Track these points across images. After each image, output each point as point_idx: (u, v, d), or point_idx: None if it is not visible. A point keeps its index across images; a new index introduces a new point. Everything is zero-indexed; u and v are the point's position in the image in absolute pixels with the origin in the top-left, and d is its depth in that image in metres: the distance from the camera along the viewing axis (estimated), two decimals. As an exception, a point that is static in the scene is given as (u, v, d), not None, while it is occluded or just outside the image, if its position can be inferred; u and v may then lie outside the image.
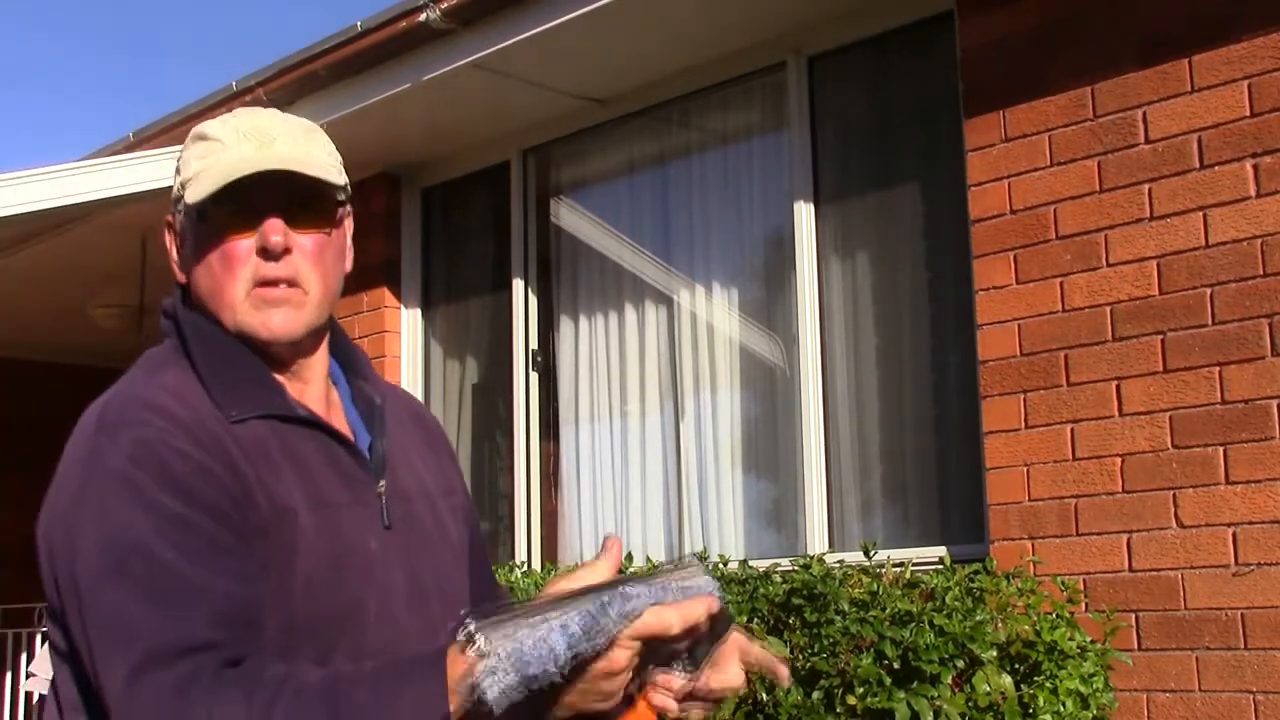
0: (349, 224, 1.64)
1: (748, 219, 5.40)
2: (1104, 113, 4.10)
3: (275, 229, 1.50)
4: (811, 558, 4.20)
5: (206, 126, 1.55)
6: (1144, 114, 4.02)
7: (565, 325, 5.95)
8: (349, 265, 1.64)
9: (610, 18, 4.93)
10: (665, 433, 5.53)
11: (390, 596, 1.47)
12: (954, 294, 4.63)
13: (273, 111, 1.58)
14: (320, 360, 1.60)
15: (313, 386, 1.58)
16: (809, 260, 5.02)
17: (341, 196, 1.58)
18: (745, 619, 3.82)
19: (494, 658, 1.15)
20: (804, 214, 5.05)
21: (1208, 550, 3.77)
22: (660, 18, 4.98)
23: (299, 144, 1.53)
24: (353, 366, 1.67)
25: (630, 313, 5.73)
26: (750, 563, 4.35)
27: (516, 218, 6.12)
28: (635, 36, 5.11)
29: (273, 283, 1.50)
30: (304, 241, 1.52)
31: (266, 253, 1.49)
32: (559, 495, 5.88)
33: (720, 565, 4.29)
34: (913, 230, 4.87)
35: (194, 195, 1.49)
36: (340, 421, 1.59)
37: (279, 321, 1.51)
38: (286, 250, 1.50)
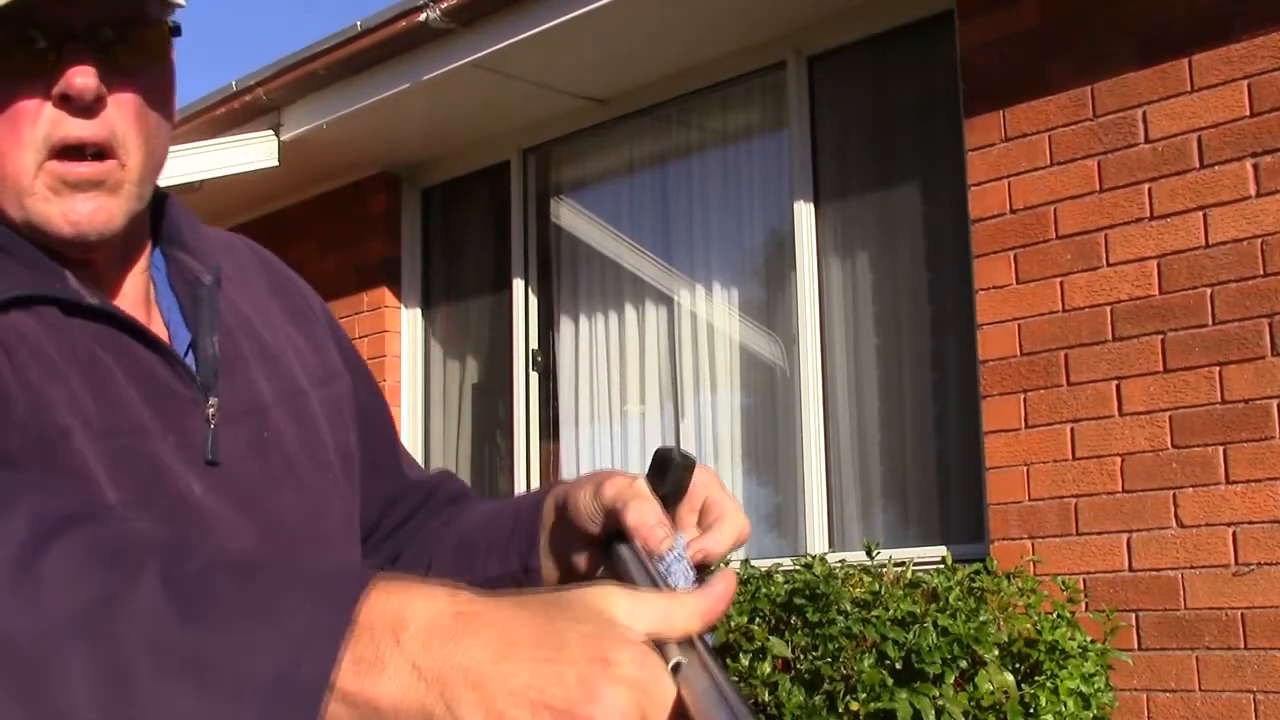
0: (173, 60, 1.11)
1: (748, 219, 5.40)
2: (1104, 112, 4.10)
3: (83, 69, 0.99)
4: (813, 558, 4.20)
5: None
6: (1144, 114, 4.02)
7: (565, 325, 5.95)
8: (174, 123, 1.14)
9: (610, 18, 4.93)
10: (665, 433, 5.53)
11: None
12: (954, 294, 4.63)
13: None
14: (139, 253, 1.12)
15: (126, 287, 1.10)
16: (809, 260, 5.02)
17: (171, 19, 1.08)
18: (747, 619, 3.83)
19: None
20: (804, 214, 5.05)
21: (1208, 550, 3.77)
22: (660, 17, 4.98)
23: None
24: (170, 235, 1.15)
25: (630, 313, 5.73)
26: (752, 563, 4.35)
27: (516, 218, 6.12)
28: (636, 36, 5.11)
29: (78, 151, 1.01)
30: (122, 89, 1.03)
31: (69, 103, 1.00)
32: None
33: (721, 565, 4.29)
34: (913, 230, 4.87)
35: None
36: (159, 324, 1.11)
37: (88, 210, 1.02)
38: (99, 100, 1.01)
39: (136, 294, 1.10)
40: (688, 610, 0.72)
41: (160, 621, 0.67)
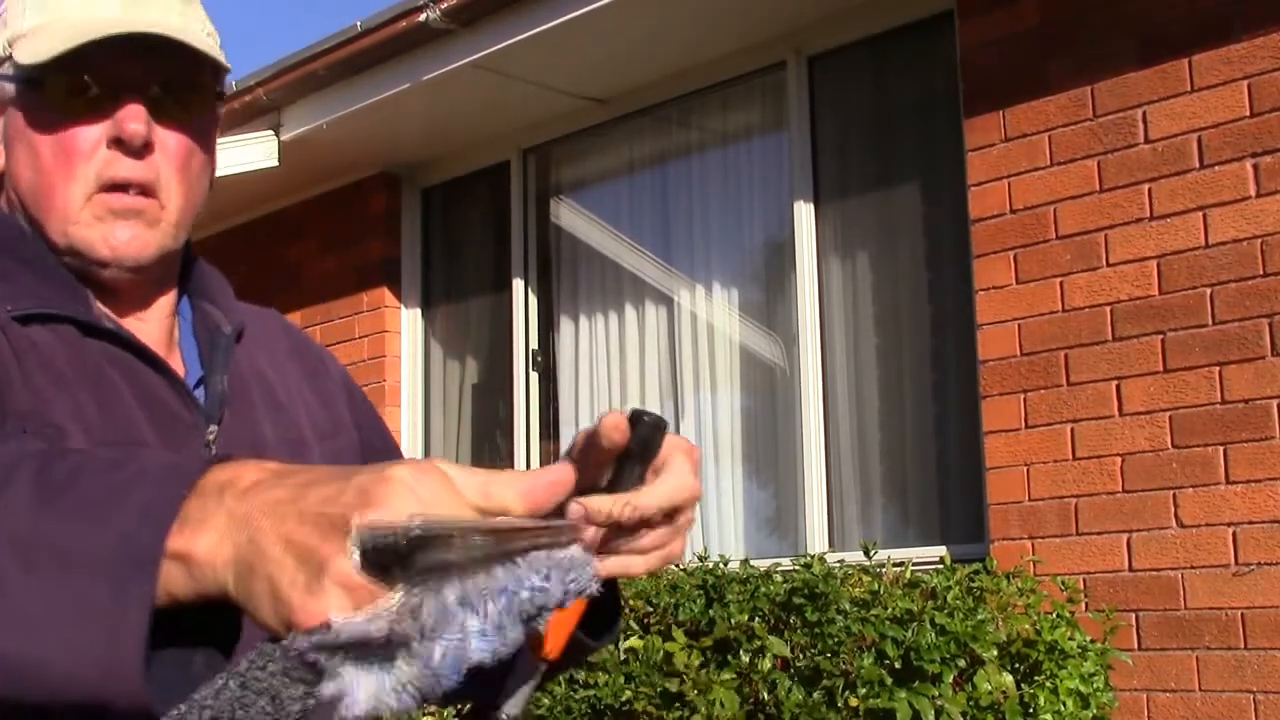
0: (218, 125, 1.25)
1: (748, 219, 5.40)
2: (1104, 112, 4.10)
3: (136, 115, 1.12)
4: (812, 557, 4.20)
5: None
6: (1144, 114, 4.02)
7: (565, 325, 5.95)
8: (214, 177, 1.26)
9: (610, 18, 4.93)
10: (665, 433, 5.53)
11: None
12: (954, 294, 4.63)
13: None
14: (166, 295, 1.22)
15: (150, 325, 1.19)
16: (809, 260, 5.02)
17: (219, 87, 1.21)
18: (747, 618, 3.83)
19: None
20: (804, 214, 5.05)
21: (1208, 550, 3.77)
22: (660, 17, 4.98)
23: (173, 7, 1.16)
24: (200, 290, 1.26)
25: (630, 313, 5.73)
26: (751, 562, 4.36)
27: (516, 218, 6.12)
28: (636, 36, 5.11)
29: (123, 187, 1.13)
30: (169, 139, 1.15)
31: (121, 145, 1.12)
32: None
33: (721, 565, 4.29)
34: (913, 230, 4.87)
35: (28, 55, 1.11)
36: (177, 363, 1.20)
37: (126, 238, 1.13)
38: (147, 146, 1.13)
39: (160, 333, 1.20)
40: (508, 486, 0.71)
41: (22, 516, 0.72)
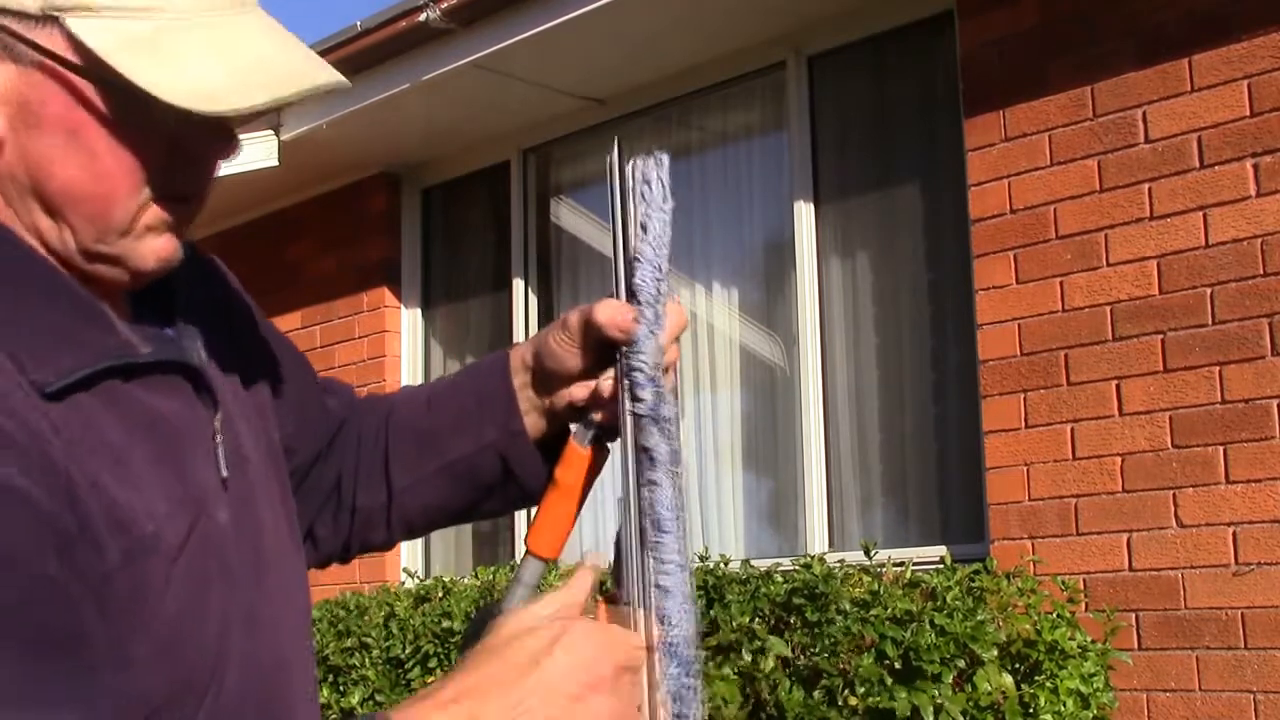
0: None
1: (748, 219, 5.40)
2: (1104, 112, 4.10)
3: (234, 139, 1.00)
4: (812, 557, 4.20)
5: None
6: (1144, 114, 4.02)
7: (565, 325, 5.95)
8: None
9: (610, 18, 4.93)
10: (665, 433, 5.53)
11: (242, 585, 1.00)
12: (954, 294, 4.63)
13: None
14: None
15: (123, 303, 1.04)
16: (809, 260, 5.02)
17: None
18: (748, 618, 3.83)
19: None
20: (804, 214, 5.05)
21: (1208, 550, 3.77)
22: (660, 18, 4.98)
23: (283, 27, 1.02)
24: None
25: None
26: (751, 562, 4.36)
27: (516, 218, 6.12)
28: (636, 36, 5.11)
29: (184, 198, 0.99)
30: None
31: (206, 161, 0.99)
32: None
33: (721, 565, 4.30)
34: (913, 230, 4.87)
35: (164, 83, 0.88)
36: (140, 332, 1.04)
37: (171, 251, 0.99)
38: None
39: (120, 299, 1.03)
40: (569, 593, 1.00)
41: None
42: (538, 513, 1.19)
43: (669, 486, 1.04)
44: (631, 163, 1.18)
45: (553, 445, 1.23)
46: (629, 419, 1.09)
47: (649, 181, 1.18)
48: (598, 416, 1.17)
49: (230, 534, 0.99)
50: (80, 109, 0.91)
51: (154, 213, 0.96)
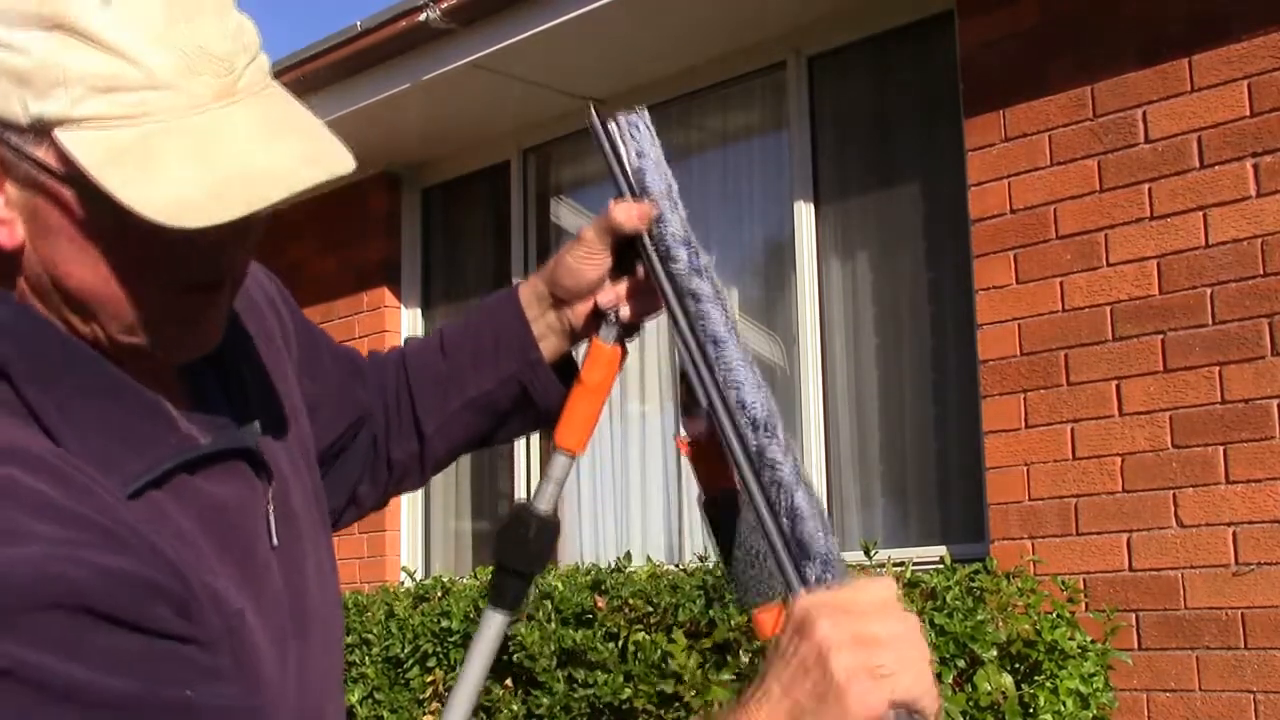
0: None
1: (748, 219, 5.40)
2: (1104, 112, 4.10)
3: (251, 244, 1.00)
4: (812, 557, 4.19)
5: (95, 22, 0.87)
6: (1144, 114, 4.02)
7: (565, 325, 5.95)
8: None
9: (610, 18, 4.93)
10: (665, 433, 5.53)
11: (291, 643, 1.04)
12: (954, 294, 4.63)
13: None
14: None
15: (172, 379, 1.05)
16: (809, 260, 5.02)
17: None
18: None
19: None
20: (804, 214, 5.05)
21: (1208, 550, 3.77)
22: (660, 18, 4.98)
23: (291, 102, 0.97)
24: None
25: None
26: (750, 562, 4.35)
27: (516, 218, 6.12)
28: (635, 36, 5.11)
29: (210, 286, 0.98)
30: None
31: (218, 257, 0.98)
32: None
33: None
34: (913, 230, 4.87)
35: (141, 196, 0.87)
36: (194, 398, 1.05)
37: (212, 338, 1.00)
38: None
39: (173, 380, 1.04)
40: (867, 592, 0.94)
41: None
42: (564, 411, 1.30)
43: (718, 312, 1.16)
44: (614, 117, 1.31)
45: (564, 363, 1.36)
46: (667, 282, 1.20)
47: (636, 125, 1.30)
48: (622, 314, 1.30)
49: (284, 599, 1.03)
50: (77, 217, 0.91)
51: (179, 304, 0.95)
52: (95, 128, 0.88)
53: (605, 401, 1.31)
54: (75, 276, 0.93)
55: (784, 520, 1.03)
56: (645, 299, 1.29)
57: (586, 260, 1.29)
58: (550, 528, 1.30)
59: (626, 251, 1.28)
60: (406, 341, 1.44)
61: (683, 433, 1.21)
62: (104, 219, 0.90)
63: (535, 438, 5.97)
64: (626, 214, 1.25)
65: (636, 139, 1.30)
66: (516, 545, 1.29)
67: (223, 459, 1.00)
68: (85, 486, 0.87)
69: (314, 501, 1.15)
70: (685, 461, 1.20)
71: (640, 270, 1.28)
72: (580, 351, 1.36)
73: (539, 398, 1.34)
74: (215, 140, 0.89)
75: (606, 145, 1.30)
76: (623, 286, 1.30)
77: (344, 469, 1.33)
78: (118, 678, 0.82)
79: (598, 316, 1.31)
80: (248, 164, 0.90)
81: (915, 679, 0.88)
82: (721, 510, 1.18)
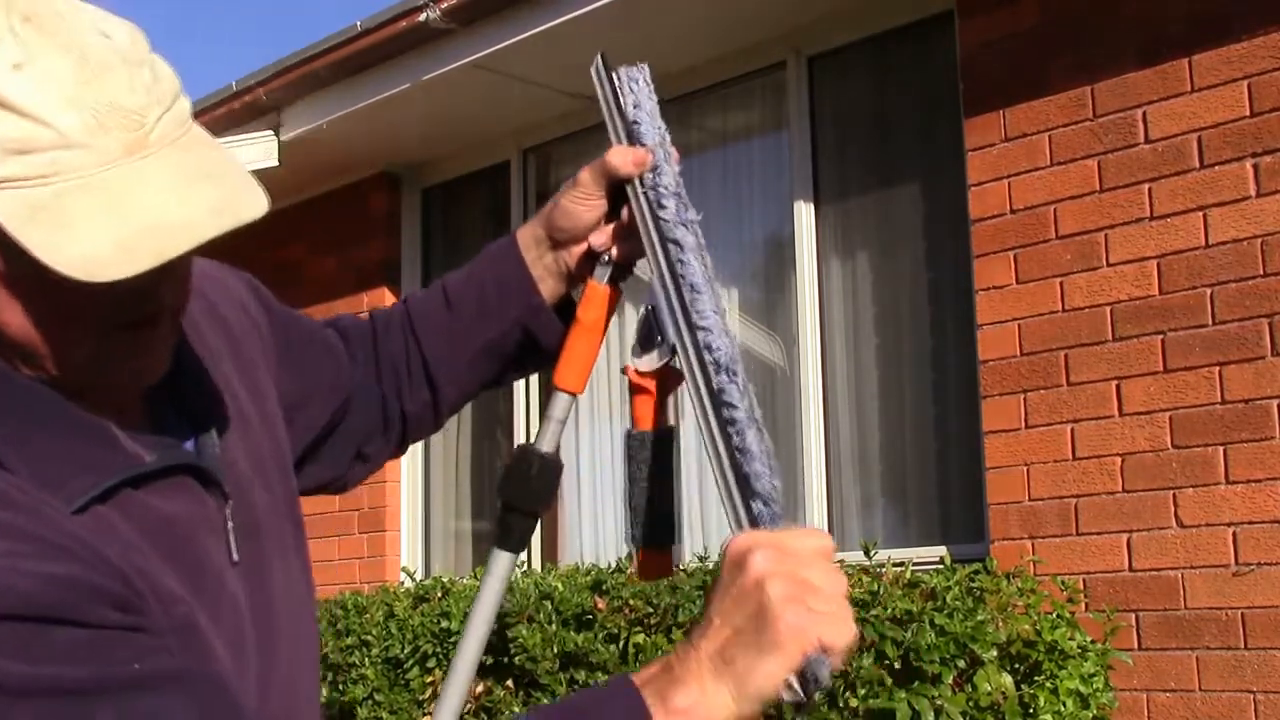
0: None
1: (748, 219, 5.40)
2: (1104, 113, 4.10)
3: (183, 279, 1.04)
4: (812, 558, 4.19)
5: (7, 88, 0.92)
6: (1144, 114, 4.02)
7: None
8: None
9: (610, 18, 4.93)
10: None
11: (253, 655, 1.08)
12: (954, 294, 4.63)
13: (98, 38, 0.97)
14: None
15: (131, 402, 1.09)
16: (809, 260, 5.02)
17: None
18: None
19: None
20: (804, 214, 5.05)
21: (1208, 550, 3.77)
22: (660, 18, 4.98)
23: (210, 147, 1.02)
24: None
25: (630, 312, 5.73)
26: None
27: (516, 218, 6.12)
28: (635, 36, 5.11)
29: (142, 324, 1.01)
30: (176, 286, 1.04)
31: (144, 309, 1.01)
32: (559, 495, 5.88)
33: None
34: (913, 230, 4.87)
35: (53, 251, 0.91)
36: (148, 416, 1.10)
37: (154, 370, 1.05)
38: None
39: (129, 402, 1.08)
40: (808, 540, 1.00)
41: None
42: (563, 351, 1.36)
43: (697, 264, 1.23)
44: (617, 71, 1.36)
45: (564, 305, 1.41)
46: (654, 228, 1.27)
47: (635, 79, 1.35)
48: (614, 254, 1.36)
49: (244, 610, 1.08)
50: (3, 272, 0.95)
51: (116, 342, 1.00)
52: (13, 187, 0.92)
53: (602, 340, 1.36)
54: (12, 325, 0.97)
55: (738, 457, 1.09)
56: (637, 241, 1.33)
57: (582, 202, 1.35)
58: (552, 466, 1.35)
59: (621, 196, 1.33)
60: (408, 296, 1.48)
61: (633, 364, 1.29)
62: (27, 271, 0.93)
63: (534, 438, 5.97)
64: (623, 158, 1.31)
65: (635, 92, 1.34)
66: (520, 484, 1.35)
67: (169, 475, 1.04)
68: (31, 506, 0.93)
69: (285, 514, 1.19)
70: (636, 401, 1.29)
71: (625, 214, 1.34)
72: (579, 295, 1.41)
73: (543, 340, 1.40)
74: (126, 195, 0.93)
75: (608, 92, 1.35)
76: (616, 228, 1.36)
77: (342, 440, 1.39)
78: (69, 667, 0.89)
79: (592, 258, 1.37)
80: (159, 216, 0.94)
81: (839, 631, 0.94)
82: (649, 448, 1.28)
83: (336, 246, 6.55)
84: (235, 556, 1.08)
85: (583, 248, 1.37)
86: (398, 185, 6.51)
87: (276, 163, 6.09)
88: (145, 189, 0.94)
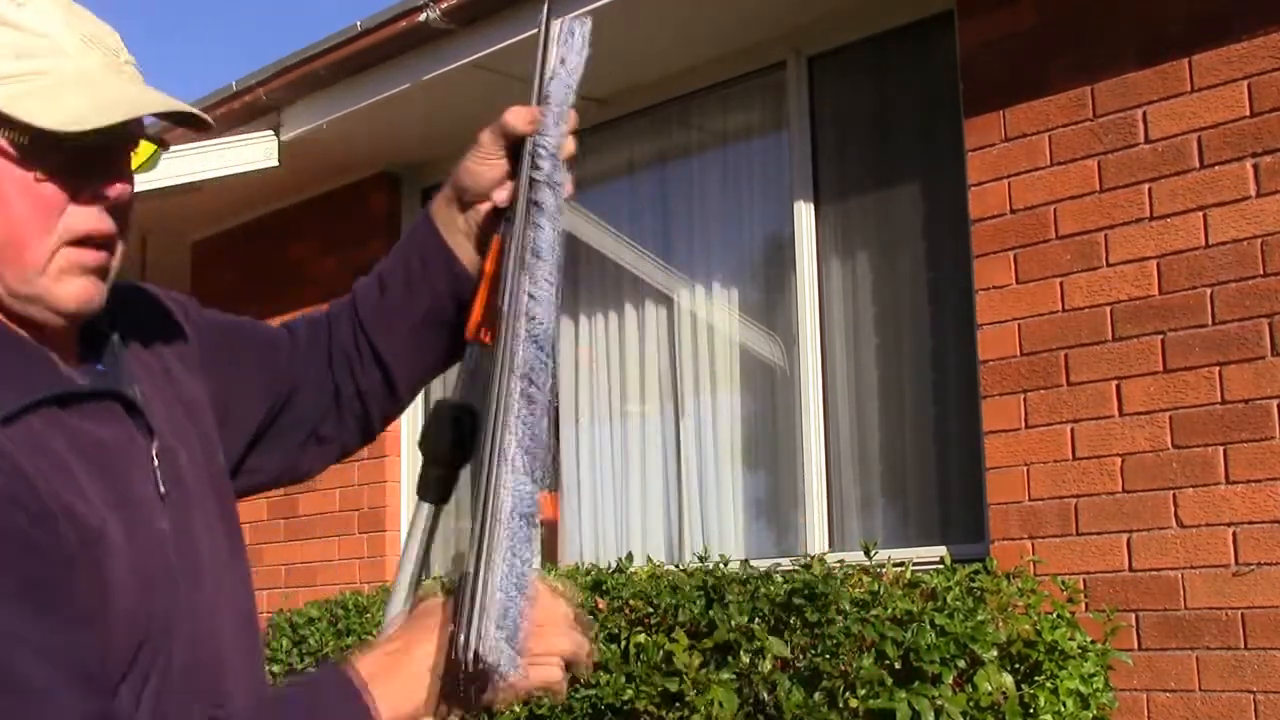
0: None
1: (748, 219, 5.40)
2: (1104, 113, 4.10)
3: (125, 179, 1.18)
4: (812, 557, 4.20)
5: (13, 14, 1.15)
6: (1144, 114, 4.02)
7: (565, 325, 5.94)
8: None
9: (610, 17, 4.92)
10: (665, 433, 5.53)
11: (181, 583, 1.19)
12: (954, 294, 4.63)
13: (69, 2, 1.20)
14: None
15: (70, 348, 1.23)
16: (809, 260, 5.02)
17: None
18: (747, 619, 3.83)
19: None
20: (804, 214, 5.05)
21: (1208, 550, 3.77)
22: (660, 18, 4.98)
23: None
24: None
25: (630, 313, 5.73)
26: (751, 563, 4.36)
27: (516, 218, 6.12)
28: (636, 36, 5.11)
29: (88, 241, 1.16)
30: (123, 193, 1.19)
31: (96, 201, 1.16)
32: (559, 495, 5.88)
33: (721, 565, 4.30)
34: (913, 230, 4.87)
35: (44, 115, 1.10)
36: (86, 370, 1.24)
37: (91, 293, 1.17)
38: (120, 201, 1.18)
39: (72, 347, 1.22)
40: None
41: None
42: (474, 305, 1.42)
43: (550, 230, 1.29)
44: (560, 20, 1.46)
45: None
46: (526, 182, 1.35)
47: (573, 32, 1.44)
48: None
49: (171, 540, 1.18)
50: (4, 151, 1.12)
51: (66, 256, 1.15)
52: (13, 82, 1.11)
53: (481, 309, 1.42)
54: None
55: (525, 436, 1.18)
56: None
57: (484, 161, 1.48)
58: (465, 416, 1.39)
59: (520, 153, 1.42)
60: (355, 284, 1.58)
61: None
62: (11, 159, 1.12)
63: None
64: (517, 117, 1.45)
65: (567, 45, 1.43)
66: (436, 438, 1.39)
67: (99, 399, 1.18)
68: None
69: (209, 481, 1.30)
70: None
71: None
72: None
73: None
74: (103, 85, 1.15)
75: (541, 45, 1.43)
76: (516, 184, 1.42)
77: (289, 428, 1.48)
78: None
79: (499, 214, 1.44)
80: (126, 94, 1.15)
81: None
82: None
83: (336, 246, 6.54)
84: (163, 489, 1.20)
85: (489, 205, 1.46)
86: (398, 185, 6.51)
87: (276, 163, 6.09)
88: (117, 85, 1.16)
